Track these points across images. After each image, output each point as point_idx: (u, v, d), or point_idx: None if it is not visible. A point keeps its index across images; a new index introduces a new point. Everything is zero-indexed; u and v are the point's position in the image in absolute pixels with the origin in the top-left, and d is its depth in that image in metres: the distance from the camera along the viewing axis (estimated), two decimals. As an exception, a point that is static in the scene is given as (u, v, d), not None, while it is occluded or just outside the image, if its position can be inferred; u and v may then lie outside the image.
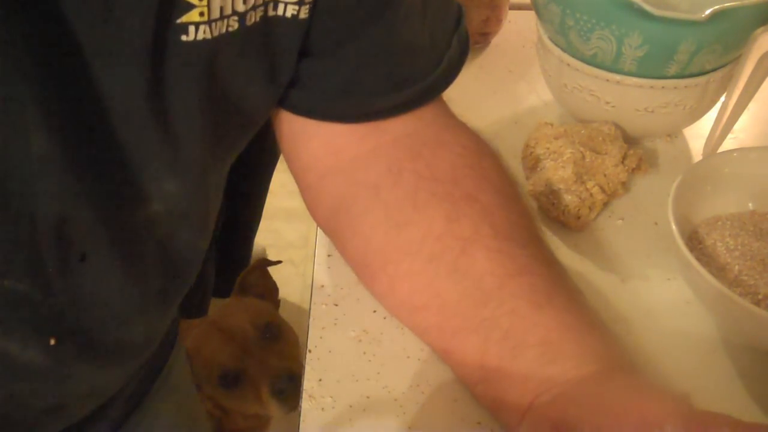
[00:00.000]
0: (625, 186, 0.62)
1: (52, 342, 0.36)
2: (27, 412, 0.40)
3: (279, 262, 1.26)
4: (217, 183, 0.42)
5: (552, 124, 0.65)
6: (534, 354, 0.37)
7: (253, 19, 0.34)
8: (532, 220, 0.44)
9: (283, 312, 1.18)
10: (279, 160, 1.42)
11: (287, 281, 1.65)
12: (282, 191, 1.98)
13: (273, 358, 1.04)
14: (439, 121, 0.45)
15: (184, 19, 0.32)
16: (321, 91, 0.40)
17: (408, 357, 0.49)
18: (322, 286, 0.54)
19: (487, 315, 0.38)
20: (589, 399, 0.35)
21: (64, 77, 0.30)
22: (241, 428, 1.13)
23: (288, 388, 1.02)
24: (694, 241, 0.54)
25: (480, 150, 0.44)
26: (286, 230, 1.91)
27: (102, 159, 0.33)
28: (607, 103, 0.63)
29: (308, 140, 0.44)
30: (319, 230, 0.59)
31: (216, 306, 1.44)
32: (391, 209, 0.41)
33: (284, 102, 0.41)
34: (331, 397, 0.47)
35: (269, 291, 1.22)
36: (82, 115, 0.31)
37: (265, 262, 1.22)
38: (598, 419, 0.34)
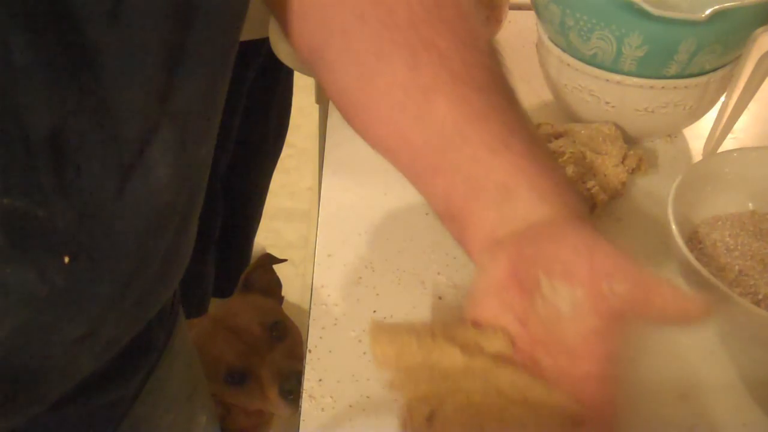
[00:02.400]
0: (625, 186, 0.62)
1: (66, 260, 0.37)
2: (59, 342, 0.41)
3: (284, 260, 1.26)
4: (207, 89, 0.43)
5: (552, 124, 0.65)
6: (492, 196, 0.42)
7: None
8: (493, 56, 0.46)
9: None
10: (279, 160, 1.42)
11: (287, 281, 1.65)
12: (282, 191, 1.97)
13: (281, 358, 1.04)
14: None
15: None
16: None
17: (408, 357, 0.49)
18: (322, 286, 0.54)
19: (450, 159, 0.43)
20: (541, 242, 0.39)
21: None
22: (243, 426, 1.13)
23: (296, 388, 1.02)
24: (694, 241, 0.54)
25: None
26: (286, 230, 1.91)
27: (78, 64, 0.33)
28: (607, 103, 0.63)
29: None
30: (319, 231, 0.59)
31: (216, 304, 1.44)
32: (360, 58, 0.45)
33: None
34: (331, 397, 0.47)
35: (273, 287, 1.22)
36: (52, 18, 0.31)
37: (270, 259, 1.22)
38: (550, 264, 0.38)
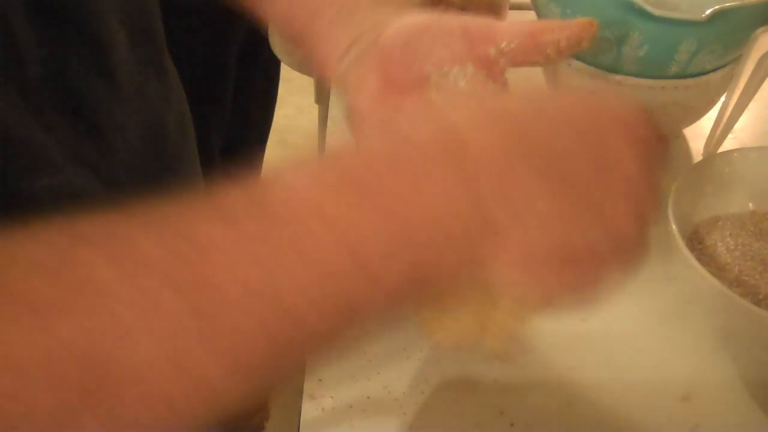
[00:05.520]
0: (625, 186, 0.62)
1: None
2: None
3: None
4: None
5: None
6: (333, 15, 0.42)
7: None
8: None
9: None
10: (279, 160, 1.41)
11: (287, 281, 1.65)
12: (282, 191, 1.97)
13: None
14: None
15: None
16: None
17: (408, 357, 0.49)
18: (322, 286, 0.54)
19: None
20: (408, 39, 0.40)
21: None
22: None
23: None
24: (694, 241, 0.54)
25: None
26: (285, 230, 1.91)
27: None
28: (607, 103, 0.63)
29: None
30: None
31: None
32: None
33: None
34: (331, 397, 0.47)
35: None
36: None
37: None
38: (427, 56, 0.40)
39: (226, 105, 1.14)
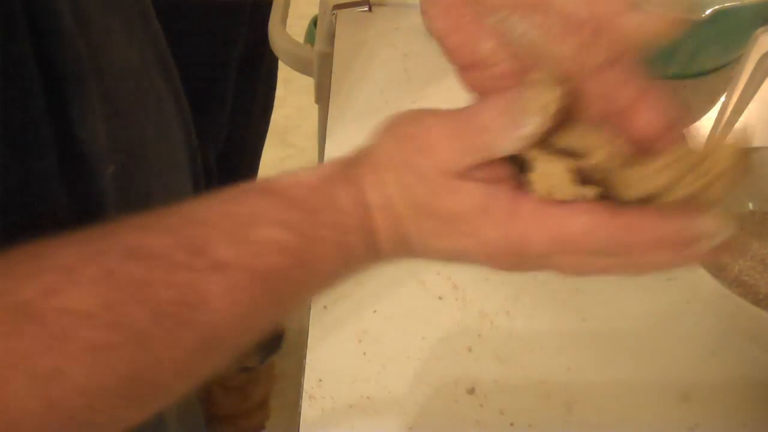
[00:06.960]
0: (625, 186, 0.62)
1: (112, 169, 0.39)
2: None
3: None
4: None
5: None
6: None
7: None
8: None
9: (283, 312, 1.18)
10: (279, 161, 1.42)
11: (287, 281, 1.65)
12: (282, 191, 1.97)
13: None
14: None
15: None
16: None
17: (408, 357, 0.49)
18: (322, 286, 0.54)
19: None
20: None
21: None
22: (226, 409, 1.12)
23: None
24: (694, 241, 0.54)
25: None
26: (285, 230, 1.90)
27: None
28: (607, 103, 0.63)
29: None
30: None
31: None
32: None
33: None
34: (331, 397, 0.47)
35: None
36: None
37: None
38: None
39: (226, 105, 1.14)
